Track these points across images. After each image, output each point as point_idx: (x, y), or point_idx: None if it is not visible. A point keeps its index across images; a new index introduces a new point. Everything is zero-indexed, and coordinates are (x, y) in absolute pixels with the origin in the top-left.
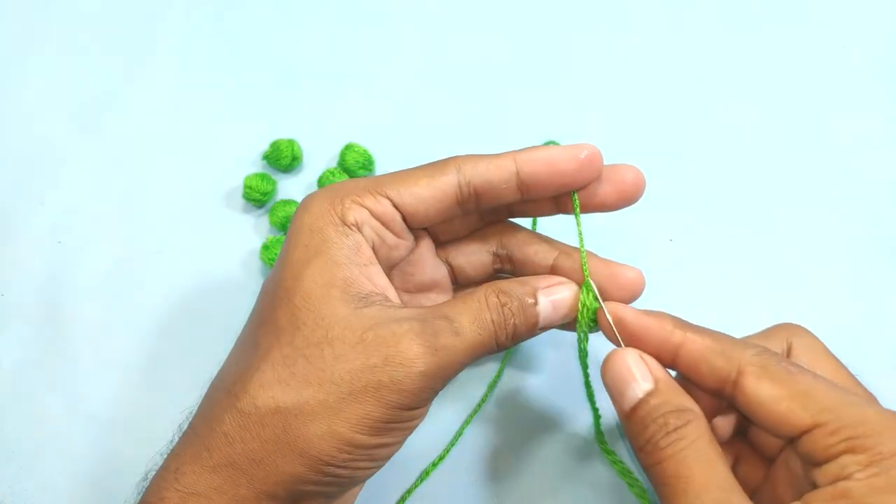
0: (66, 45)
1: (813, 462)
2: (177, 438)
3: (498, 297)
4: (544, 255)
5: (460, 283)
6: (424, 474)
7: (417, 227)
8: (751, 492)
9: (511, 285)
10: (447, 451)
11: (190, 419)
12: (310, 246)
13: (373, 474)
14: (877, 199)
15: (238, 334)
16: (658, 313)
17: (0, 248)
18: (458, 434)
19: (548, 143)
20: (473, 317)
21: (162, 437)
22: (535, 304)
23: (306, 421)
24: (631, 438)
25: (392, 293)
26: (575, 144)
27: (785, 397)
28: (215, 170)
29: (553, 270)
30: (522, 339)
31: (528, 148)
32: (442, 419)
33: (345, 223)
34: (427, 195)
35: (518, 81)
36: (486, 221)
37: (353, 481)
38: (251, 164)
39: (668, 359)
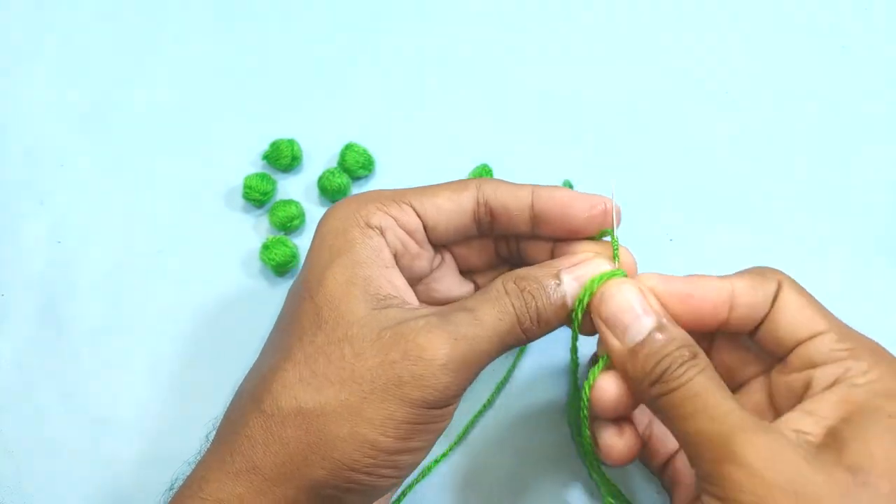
0: (66, 46)
1: (814, 363)
2: (204, 449)
3: (515, 283)
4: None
5: None
6: (426, 470)
7: (438, 241)
8: None
9: (529, 270)
10: (451, 448)
11: (217, 428)
12: (334, 246)
13: (392, 488)
14: (877, 199)
15: (237, 333)
16: (697, 276)
17: (0, 248)
18: (463, 433)
19: (564, 184)
20: (492, 304)
21: (162, 436)
22: (560, 284)
23: (328, 422)
24: (637, 374)
25: (411, 296)
26: (593, 195)
27: (809, 306)
28: (215, 170)
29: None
30: (553, 324)
31: (549, 186)
32: None
33: (369, 226)
34: (448, 207)
35: (519, 81)
36: (502, 260)
37: (373, 491)
38: (251, 164)
39: (723, 314)
